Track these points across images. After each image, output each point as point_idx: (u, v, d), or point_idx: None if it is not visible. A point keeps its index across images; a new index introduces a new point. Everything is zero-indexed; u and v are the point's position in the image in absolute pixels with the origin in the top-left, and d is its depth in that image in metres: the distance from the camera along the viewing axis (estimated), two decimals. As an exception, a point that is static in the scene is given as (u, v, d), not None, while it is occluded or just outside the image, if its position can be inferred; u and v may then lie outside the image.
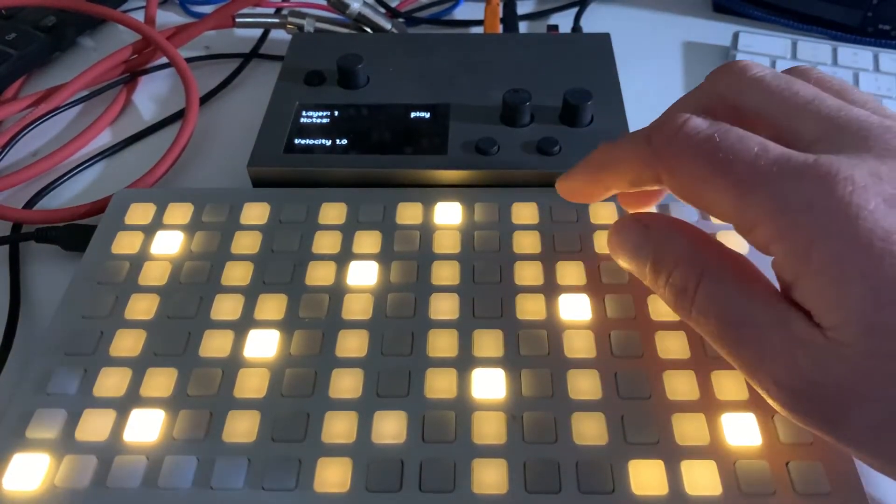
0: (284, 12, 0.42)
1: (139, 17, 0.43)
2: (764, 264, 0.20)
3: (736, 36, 0.41)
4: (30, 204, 0.34)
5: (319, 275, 0.26)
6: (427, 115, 0.33)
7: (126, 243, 0.28)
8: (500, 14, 0.43)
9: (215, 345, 0.24)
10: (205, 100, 0.40)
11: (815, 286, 0.17)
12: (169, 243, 0.28)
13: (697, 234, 0.21)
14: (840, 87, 0.21)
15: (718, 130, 0.19)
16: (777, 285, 0.19)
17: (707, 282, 0.20)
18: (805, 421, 0.18)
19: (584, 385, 0.23)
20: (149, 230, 0.28)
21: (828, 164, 0.18)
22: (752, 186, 0.18)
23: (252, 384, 0.23)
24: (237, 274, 0.27)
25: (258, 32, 0.44)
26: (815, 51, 0.39)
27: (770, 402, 0.19)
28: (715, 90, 0.22)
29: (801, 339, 0.18)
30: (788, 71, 0.22)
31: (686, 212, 0.27)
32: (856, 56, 0.39)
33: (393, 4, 0.46)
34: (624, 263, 0.23)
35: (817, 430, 0.18)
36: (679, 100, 0.23)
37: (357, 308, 0.25)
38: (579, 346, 0.24)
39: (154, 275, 0.27)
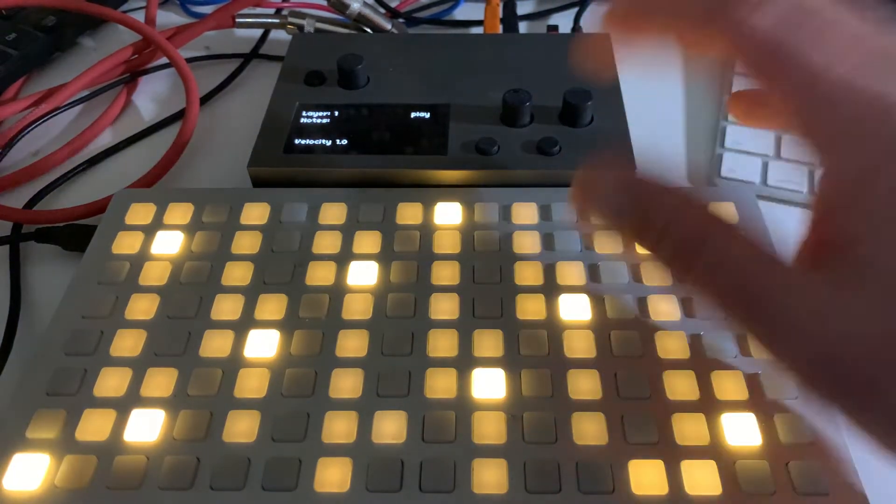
0: (284, 12, 0.42)
1: (139, 17, 0.43)
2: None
3: (736, 36, 0.41)
4: (30, 204, 0.34)
5: (319, 275, 0.26)
6: (427, 115, 0.33)
7: (126, 243, 0.28)
8: (500, 14, 0.43)
9: (215, 345, 0.24)
10: (205, 100, 0.40)
11: (869, 208, 0.15)
12: (169, 243, 0.28)
13: (706, 207, 0.18)
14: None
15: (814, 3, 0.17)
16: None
17: (713, 246, 0.17)
18: (828, 392, 0.16)
19: (584, 385, 0.23)
20: (149, 230, 0.28)
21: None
22: (836, 83, 0.16)
23: (252, 384, 0.23)
24: (237, 274, 0.27)
25: (258, 32, 0.44)
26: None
27: (793, 377, 0.16)
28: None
29: (824, 302, 0.16)
30: None
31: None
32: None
33: (393, 4, 0.46)
34: (634, 234, 0.19)
35: (839, 402, 0.16)
36: None
37: (357, 308, 0.25)
38: (579, 346, 0.24)
39: (154, 275, 0.27)
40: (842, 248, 0.16)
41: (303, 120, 0.33)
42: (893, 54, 0.17)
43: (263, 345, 0.24)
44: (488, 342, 0.24)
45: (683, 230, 0.18)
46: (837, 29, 0.17)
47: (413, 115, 0.33)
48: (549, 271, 0.26)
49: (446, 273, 0.26)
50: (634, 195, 0.19)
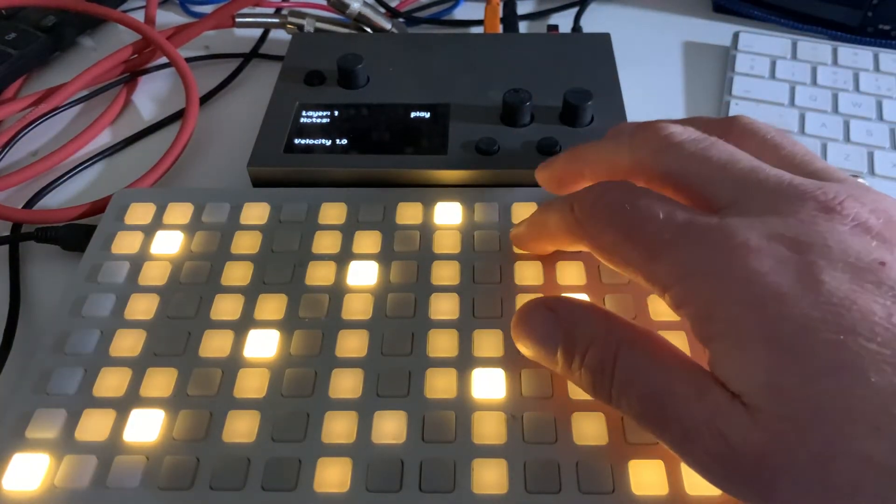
0: (284, 12, 0.42)
1: (139, 17, 0.43)
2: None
3: (736, 36, 0.41)
4: (30, 204, 0.34)
5: (319, 275, 0.26)
6: (427, 115, 0.33)
7: (126, 243, 0.28)
8: (500, 14, 0.43)
9: (215, 345, 0.24)
10: (205, 100, 0.40)
11: (720, 351, 0.18)
12: (169, 243, 0.28)
13: (607, 312, 0.21)
14: (770, 140, 0.21)
15: (630, 199, 0.20)
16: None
17: (624, 356, 0.19)
18: (741, 495, 0.17)
19: (584, 385, 0.23)
20: (149, 230, 0.28)
21: (726, 228, 0.18)
22: (659, 252, 0.19)
23: (252, 384, 0.23)
24: (237, 274, 0.27)
25: (258, 32, 0.44)
26: (815, 51, 0.39)
27: (705, 476, 0.18)
28: (639, 158, 0.22)
29: (721, 409, 0.17)
30: (718, 122, 0.23)
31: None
32: (856, 56, 0.39)
33: (393, 4, 0.46)
34: (530, 352, 0.22)
35: (748, 502, 0.17)
36: (602, 153, 0.24)
37: (357, 308, 0.25)
38: (579, 346, 0.24)
39: (154, 275, 0.27)
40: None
41: (303, 120, 0.33)
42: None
43: (263, 345, 0.24)
44: (488, 342, 0.24)
45: (597, 358, 0.20)
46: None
47: (413, 114, 0.33)
48: (550, 271, 0.26)
49: (446, 273, 0.26)
50: (559, 318, 0.21)
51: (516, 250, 0.27)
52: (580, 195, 0.22)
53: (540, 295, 0.25)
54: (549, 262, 0.26)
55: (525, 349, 0.22)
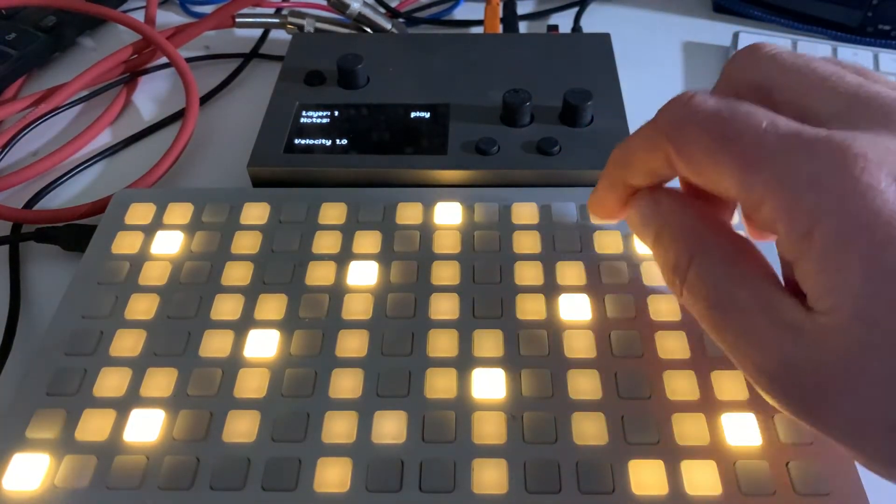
0: (284, 12, 0.42)
1: (139, 17, 0.43)
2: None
3: (736, 36, 0.41)
4: (30, 204, 0.34)
5: (319, 275, 0.26)
6: (427, 115, 0.33)
7: (126, 243, 0.28)
8: (500, 14, 0.43)
9: (215, 345, 0.24)
10: (205, 100, 0.40)
11: (813, 268, 0.17)
12: (169, 243, 0.28)
13: (703, 213, 0.20)
14: (859, 67, 0.20)
15: (726, 105, 0.18)
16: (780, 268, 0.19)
17: (698, 262, 0.19)
18: (785, 406, 0.17)
19: (584, 385, 0.23)
20: (149, 230, 0.28)
21: (840, 139, 0.16)
22: (759, 161, 0.17)
23: (252, 384, 0.23)
24: (237, 274, 0.27)
25: (258, 32, 0.44)
26: (814, 51, 0.39)
27: (754, 385, 0.18)
28: (732, 73, 0.21)
29: (787, 323, 0.17)
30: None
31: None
32: (856, 56, 0.39)
33: (393, 4, 0.46)
34: (637, 234, 0.23)
35: (798, 416, 0.17)
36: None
37: (357, 308, 0.25)
38: (579, 346, 0.24)
39: (154, 275, 0.27)
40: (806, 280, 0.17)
41: (303, 120, 0.33)
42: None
43: (263, 345, 0.24)
44: (488, 342, 0.24)
45: (674, 256, 0.20)
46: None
47: (413, 115, 0.33)
48: (549, 271, 0.26)
49: (446, 273, 0.26)
50: (658, 209, 0.21)
51: (593, 220, 0.25)
52: (664, 106, 0.20)
53: (539, 295, 0.25)
54: (549, 262, 0.26)
55: (634, 233, 0.23)
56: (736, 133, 0.18)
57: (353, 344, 0.24)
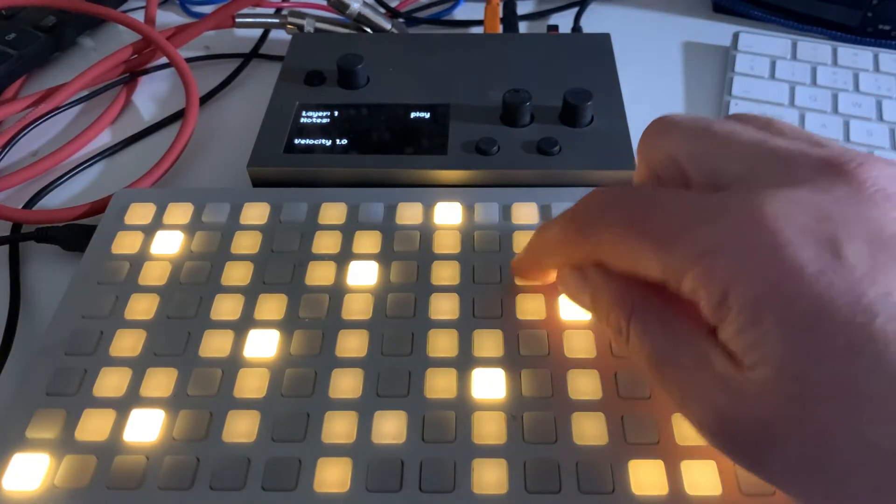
0: (284, 12, 0.42)
1: (139, 17, 0.43)
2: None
3: (736, 36, 0.41)
4: (30, 204, 0.34)
5: (319, 275, 0.26)
6: (427, 115, 0.33)
7: (126, 243, 0.28)
8: (500, 14, 0.43)
9: (215, 345, 0.24)
10: (205, 100, 0.40)
11: (733, 328, 0.17)
12: (169, 243, 0.28)
13: (628, 278, 0.20)
14: (764, 120, 0.20)
15: (632, 194, 0.19)
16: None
17: (635, 323, 0.20)
18: (731, 458, 0.18)
19: (584, 385, 0.23)
20: (149, 230, 0.28)
21: (738, 201, 0.17)
22: (672, 239, 0.18)
23: (252, 384, 0.23)
24: (237, 274, 0.27)
25: (258, 32, 0.44)
26: (815, 51, 0.39)
27: (701, 435, 0.18)
28: (644, 152, 0.22)
29: (721, 378, 0.17)
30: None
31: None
32: (856, 56, 0.39)
33: (393, 4, 0.46)
34: (573, 301, 0.23)
35: (743, 467, 0.17)
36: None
37: (357, 308, 0.25)
38: (579, 346, 0.24)
39: (154, 275, 0.27)
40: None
41: (303, 120, 0.33)
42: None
43: (263, 345, 0.24)
44: (488, 342, 0.24)
45: (614, 320, 0.20)
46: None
47: (413, 115, 0.33)
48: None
49: (446, 273, 0.26)
50: (588, 279, 0.22)
51: (518, 282, 0.26)
52: (578, 203, 0.21)
53: (539, 295, 0.25)
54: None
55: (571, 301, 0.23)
56: (645, 217, 0.19)
57: (353, 344, 0.24)
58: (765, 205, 0.17)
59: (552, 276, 0.25)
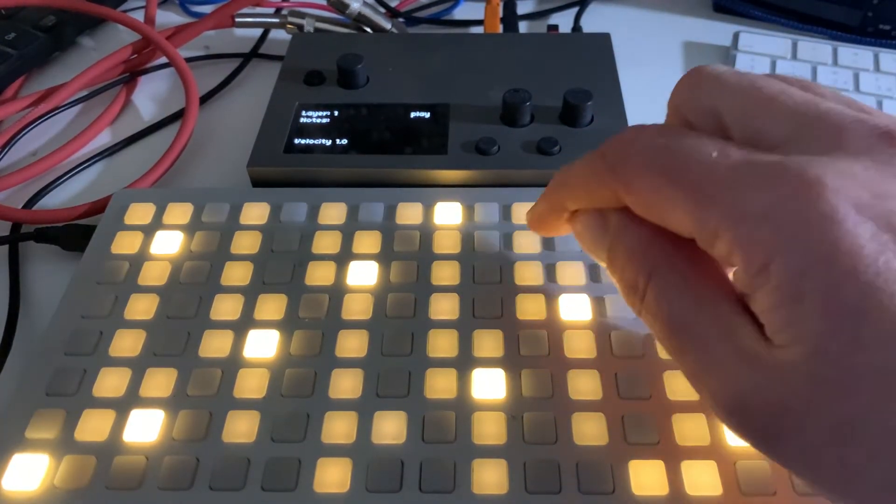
0: (284, 12, 0.42)
1: (139, 17, 0.43)
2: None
3: (736, 36, 0.41)
4: (30, 204, 0.34)
5: (319, 275, 0.26)
6: (427, 115, 0.33)
7: (126, 243, 0.28)
8: (500, 14, 0.43)
9: (215, 345, 0.24)
10: (205, 100, 0.40)
11: (770, 302, 0.16)
12: (169, 243, 0.28)
13: (657, 229, 0.19)
14: (805, 82, 0.19)
15: (672, 138, 0.18)
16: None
17: (656, 282, 0.18)
18: (742, 436, 0.17)
19: (584, 385, 0.23)
20: (148, 230, 0.28)
21: (793, 166, 0.16)
22: (710, 195, 0.17)
23: (252, 384, 0.23)
24: (237, 274, 0.27)
25: (258, 32, 0.44)
26: (815, 51, 0.39)
27: (713, 412, 0.18)
28: (678, 103, 0.20)
29: (745, 353, 0.16)
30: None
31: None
32: (856, 56, 0.39)
33: (393, 4, 0.46)
34: (588, 252, 0.22)
35: (755, 447, 0.17)
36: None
37: (357, 308, 0.25)
38: (579, 346, 0.24)
39: (154, 275, 0.27)
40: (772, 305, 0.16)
41: (303, 120, 0.33)
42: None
43: (263, 345, 0.24)
44: (488, 342, 0.24)
45: (630, 276, 0.19)
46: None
47: (413, 115, 0.33)
48: (549, 271, 0.26)
49: (446, 273, 0.26)
50: (608, 225, 0.20)
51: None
52: (610, 140, 0.19)
53: (539, 295, 0.25)
54: (549, 262, 0.26)
55: (584, 249, 0.21)
56: (684, 167, 0.17)
57: (352, 344, 0.24)
58: (822, 174, 0.15)
59: (566, 227, 0.23)
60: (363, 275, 0.26)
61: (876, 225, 0.15)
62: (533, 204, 0.23)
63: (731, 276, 0.17)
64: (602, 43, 0.37)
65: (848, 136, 0.16)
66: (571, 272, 0.26)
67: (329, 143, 0.32)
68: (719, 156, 0.17)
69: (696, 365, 0.17)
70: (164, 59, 0.41)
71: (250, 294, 0.26)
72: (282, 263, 0.27)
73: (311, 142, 0.32)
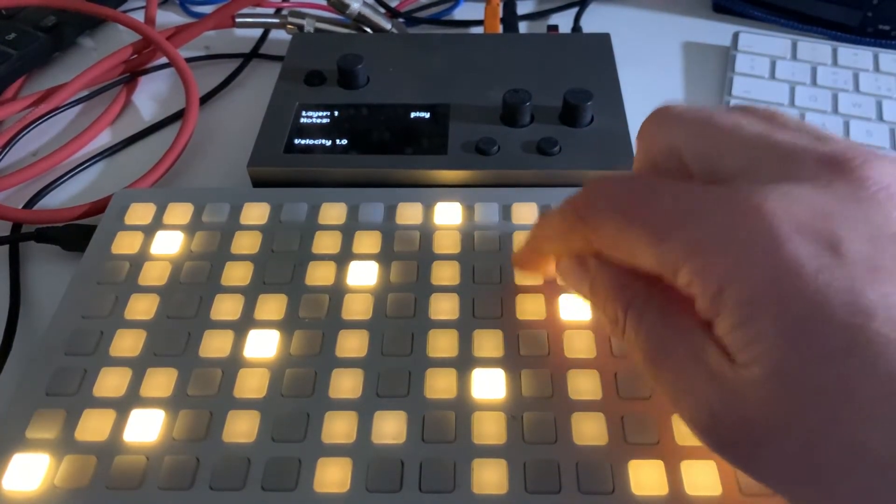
0: (284, 12, 0.42)
1: (139, 17, 0.43)
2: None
3: (736, 36, 0.41)
4: (30, 204, 0.34)
5: (319, 275, 0.26)
6: (427, 115, 0.33)
7: (126, 243, 0.28)
8: (500, 14, 0.43)
9: (215, 345, 0.24)
10: (205, 100, 0.40)
11: (728, 325, 0.17)
12: (169, 243, 0.28)
13: (628, 270, 0.20)
14: (767, 113, 0.20)
15: (633, 181, 0.19)
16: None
17: (632, 315, 0.20)
18: (717, 451, 0.17)
19: (584, 385, 0.23)
20: (149, 230, 0.28)
21: (738, 195, 0.17)
22: (667, 231, 0.18)
23: (252, 384, 0.23)
24: (237, 274, 0.27)
25: (258, 32, 0.44)
26: (815, 51, 0.39)
27: (691, 430, 0.18)
28: (644, 143, 0.21)
29: (713, 374, 0.17)
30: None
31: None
32: (856, 56, 0.39)
33: (393, 4, 0.46)
34: (572, 291, 0.23)
35: (732, 465, 0.17)
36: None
37: (357, 308, 0.25)
38: (579, 346, 0.24)
39: (154, 275, 0.27)
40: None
41: (303, 120, 0.33)
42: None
43: (263, 345, 0.24)
44: (488, 342, 0.24)
45: (611, 311, 0.20)
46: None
47: (413, 115, 0.33)
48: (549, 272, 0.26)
49: (446, 273, 0.26)
50: (587, 269, 0.22)
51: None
52: (579, 192, 0.21)
53: (539, 295, 0.25)
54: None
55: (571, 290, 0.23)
56: (643, 207, 0.18)
57: (352, 344, 0.24)
58: (764, 200, 0.17)
59: (552, 269, 0.24)
60: (363, 275, 0.26)
61: (817, 244, 0.16)
62: (515, 252, 0.26)
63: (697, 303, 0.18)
64: (602, 43, 0.37)
65: (795, 165, 0.17)
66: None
67: (329, 143, 0.32)
68: (673, 193, 0.18)
69: (673, 387, 0.18)
70: (164, 60, 0.41)
71: (250, 294, 0.26)
72: (282, 263, 0.27)
73: (311, 142, 0.32)
